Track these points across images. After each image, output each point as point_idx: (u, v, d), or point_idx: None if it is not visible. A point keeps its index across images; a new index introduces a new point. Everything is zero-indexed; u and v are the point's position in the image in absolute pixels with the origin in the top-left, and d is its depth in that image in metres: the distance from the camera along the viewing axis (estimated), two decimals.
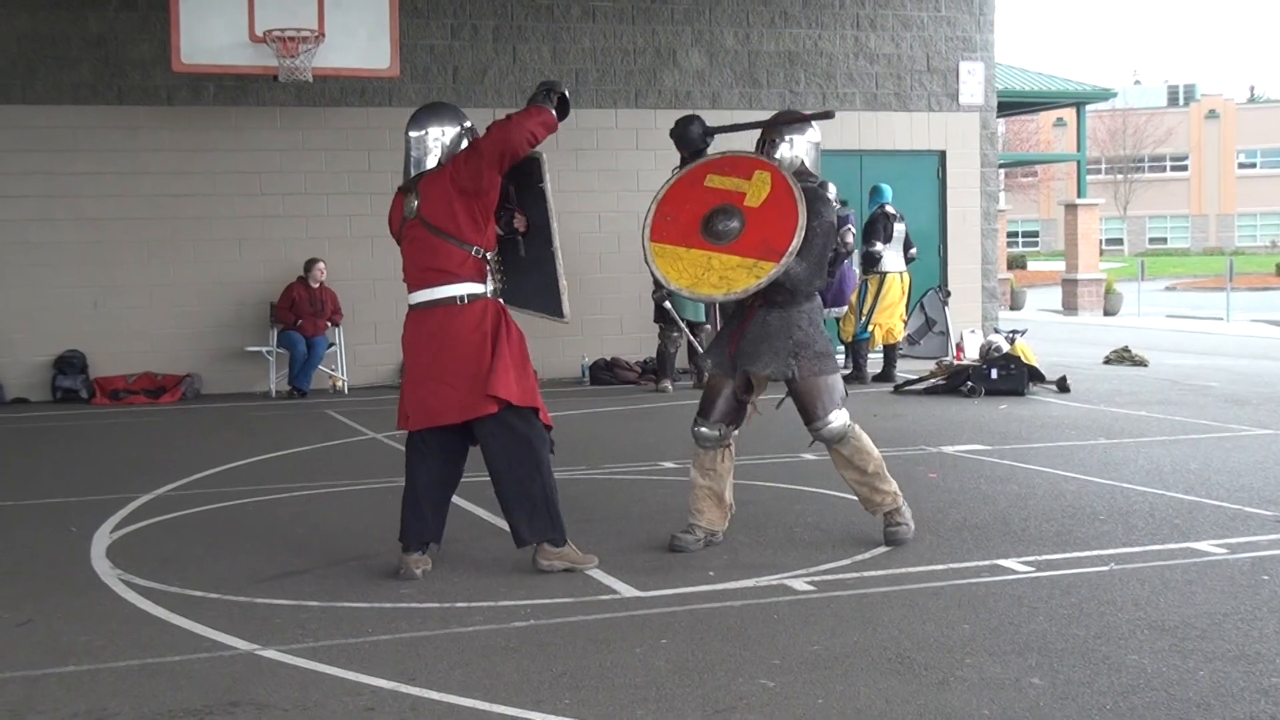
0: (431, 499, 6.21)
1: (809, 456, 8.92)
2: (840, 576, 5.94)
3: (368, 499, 8.12)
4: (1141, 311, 28.01)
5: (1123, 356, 16.11)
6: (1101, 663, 4.67)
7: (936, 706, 4.28)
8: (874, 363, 14.73)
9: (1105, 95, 29.95)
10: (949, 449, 9.53)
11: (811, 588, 5.76)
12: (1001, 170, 30.11)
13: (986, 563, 6.18)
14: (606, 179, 15.51)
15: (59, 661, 4.90)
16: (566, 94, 6.24)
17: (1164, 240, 70.36)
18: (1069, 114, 36.27)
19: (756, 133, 6.92)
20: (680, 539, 6.55)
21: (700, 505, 6.60)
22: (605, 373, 14.98)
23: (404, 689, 4.52)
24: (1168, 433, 10.33)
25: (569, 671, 4.67)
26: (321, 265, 14.28)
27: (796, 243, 6.21)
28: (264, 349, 14.35)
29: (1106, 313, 27.83)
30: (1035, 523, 7.05)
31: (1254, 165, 69.76)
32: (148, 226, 14.32)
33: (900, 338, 14.79)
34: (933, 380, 13.43)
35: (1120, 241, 67.83)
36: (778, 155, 6.65)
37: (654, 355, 15.24)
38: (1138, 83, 78.95)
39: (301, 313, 14.10)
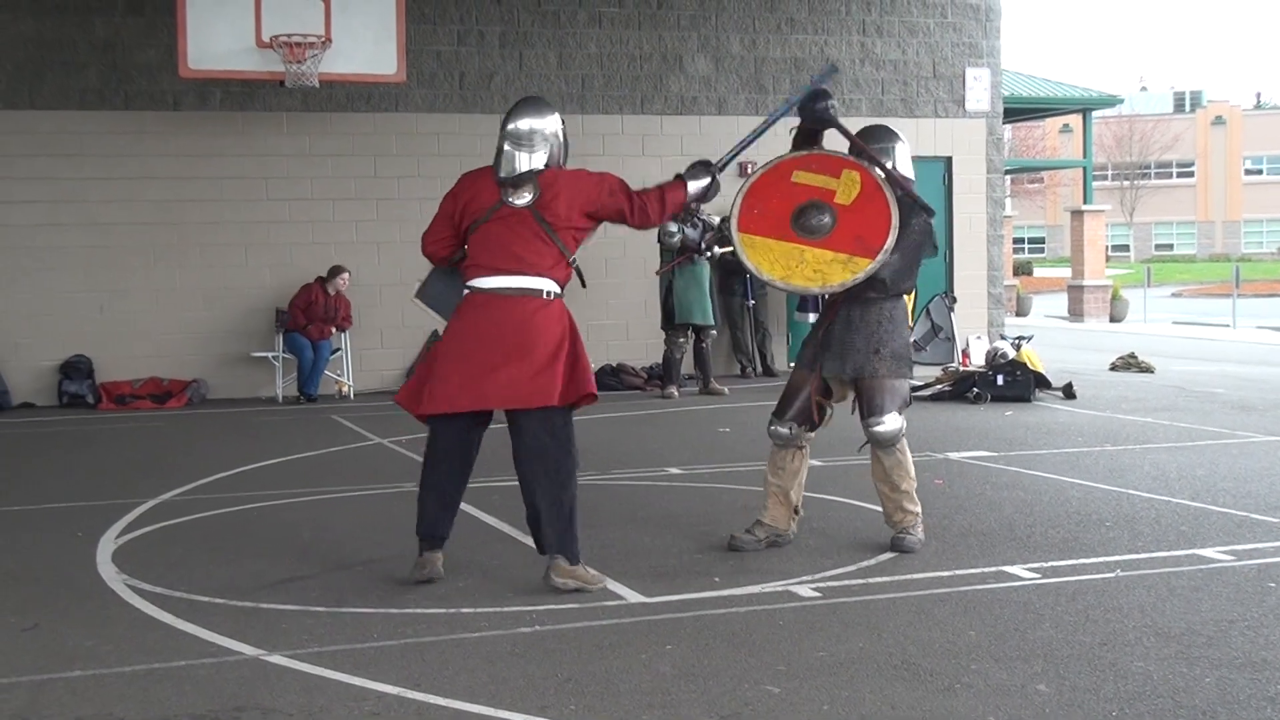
0: (451, 495, 6.19)
1: (815, 463, 8.92)
2: (846, 583, 5.94)
3: (374, 504, 8.12)
4: (1148, 318, 28.00)
5: (1129, 363, 16.10)
6: (1107, 669, 4.67)
7: (942, 713, 4.28)
8: None
9: (1111, 101, 29.97)
10: (955, 455, 9.52)
11: (817, 594, 5.76)
12: (1008, 176, 30.13)
13: (992, 569, 6.18)
14: None
15: (65, 666, 4.91)
16: (719, 181, 6.43)
17: (1170, 246, 70.30)
18: (1075, 120, 36.26)
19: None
20: (739, 539, 6.63)
21: (767, 503, 6.68)
22: (611, 378, 14.98)
23: (409, 694, 4.52)
24: (1174, 439, 10.32)
25: (574, 677, 4.67)
26: (346, 275, 14.29)
27: (892, 240, 6.33)
28: (270, 354, 14.36)
29: (1113, 319, 27.81)
30: (1041, 529, 7.04)
31: (1260, 172, 69.70)
32: (154, 231, 14.34)
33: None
34: (939, 386, 13.42)
35: (1126, 248, 67.76)
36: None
37: (660, 361, 15.26)
38: (1144, 89, 78.94)
39: (313, 316, 14.12)
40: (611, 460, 9.68)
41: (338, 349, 14.52)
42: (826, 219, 6.42)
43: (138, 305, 14.32)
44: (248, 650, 5.05)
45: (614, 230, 15.25)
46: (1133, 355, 16.32)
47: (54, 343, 14.08)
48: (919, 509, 6.70)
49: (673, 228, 13.67)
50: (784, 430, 6.67)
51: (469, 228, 6.13)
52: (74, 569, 6.48)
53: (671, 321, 14.07)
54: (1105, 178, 63.07)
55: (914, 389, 13.40)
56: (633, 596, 5.76)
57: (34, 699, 4.56)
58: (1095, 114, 29.43)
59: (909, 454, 6.68)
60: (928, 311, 16.23)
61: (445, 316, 6.31)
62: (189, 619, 5.48)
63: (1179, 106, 74.69)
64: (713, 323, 14.22)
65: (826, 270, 6.38)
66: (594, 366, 15.73)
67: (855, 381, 6.64)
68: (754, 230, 6.53)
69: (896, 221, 6.37)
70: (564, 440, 5.98)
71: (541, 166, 6.09)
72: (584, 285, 6.38)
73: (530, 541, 6.17)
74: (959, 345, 15.72)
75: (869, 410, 6.58)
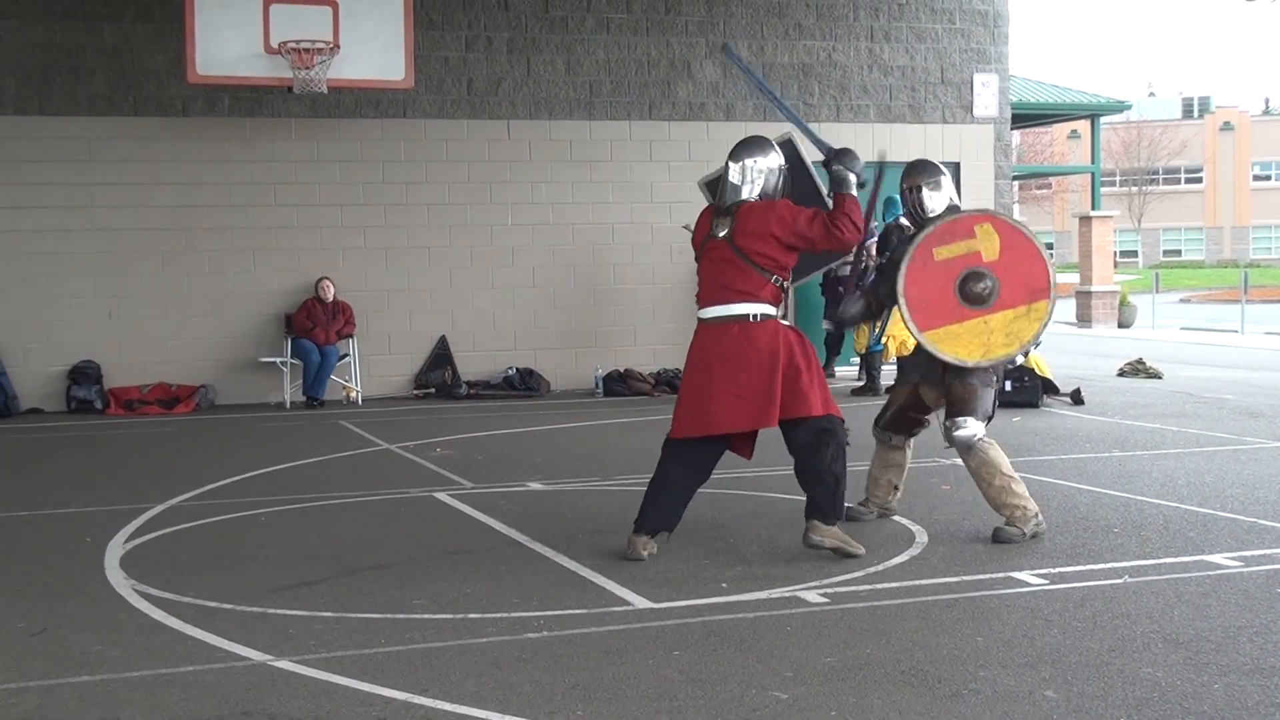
0: (677, 496, 6.62)
1: None
2: (854, 589, 5.94)
3: (381, 510, 8.12)
4: (1156, 324, 27.95)
5: (1137, 369, 16.07)
6: (1115, 676, 4.66)
7: (950, 719, 4.27)
8: (888, 374, 14.69)
9: (1119, 107, 29.94)
10: (962, 461, 9.50)
11: (825, 600, 5.75)
12: (1016, 182, 30.10)
13: (1000, 575, 6.17)
14: (620, 191, 15.54)
15: (73, 671, 4.91)
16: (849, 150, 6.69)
17: (1178, 252, 70.22)
18: (1083, 126, 36.21)
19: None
20: (854, 509, 7.33)
21: (867, 482, 7.44)
22: (618, 384, 14.98)
23: (417, 700, 4.52)
24: (1182, 445, 10.30)
25: (582, 683, 4.67)
26: (327, 282, 14.36)
27: (1053, 271, 6.75)
28: (278, 359, 14.38)
29: (1121, 325, 27.76)
30: (1049, 535, 7.02)
31: (1269, 177, 69.61)
32: (163, 237, 14.36)
33: (914, 350, 14.75)
34: None
35: (1135, 254, 67.70)
36: (927, 204, 7.13)
37: (667, 367, 15.28)
38: (1152, 95, 78.85)
39: (317, 321, 14.18)
40: (619, 466, 9.67)
41: (345, 354, 14.54)
42: (988, 282, 6.79)
43: (146, 311, 14.35)
44: (255, 655, 5.05)
45: (621, 237, 15.46)
46: (1141, 361, 16.30)
47: (62, 348, 14.11)
48: (1026, 503, 6.90)
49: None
50: (882, 436, 7.39)
51: (696, 258, 6.70)
52: (82, 574, 6.49)
53: None
54: (1113, 184, 63.01)
55: None
56: (640, 602, 5.75)
57: (42, 704, 4.57)
58: (1103, 120, 29.38)
59: (993, 454, 6.93)
60: None
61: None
62: (196, 624, 5.49)
63: (1187, 112, 74.61)
64: None
65: (1016, 329, 6.77)
66: (601, 372, 15.83)
67: (949, 386, 7.04)
68: (934, 325, 6.86)
69: (1044, 251, 6.79)
70: (826, 429, 6.44)
71: (749, 198, 6.52)
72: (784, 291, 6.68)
73: (539, 548, 6.16)
74: None
75: (953, 411, 7.00)
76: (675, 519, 6.63)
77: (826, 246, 6.49)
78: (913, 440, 7.51)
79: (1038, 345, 6.87)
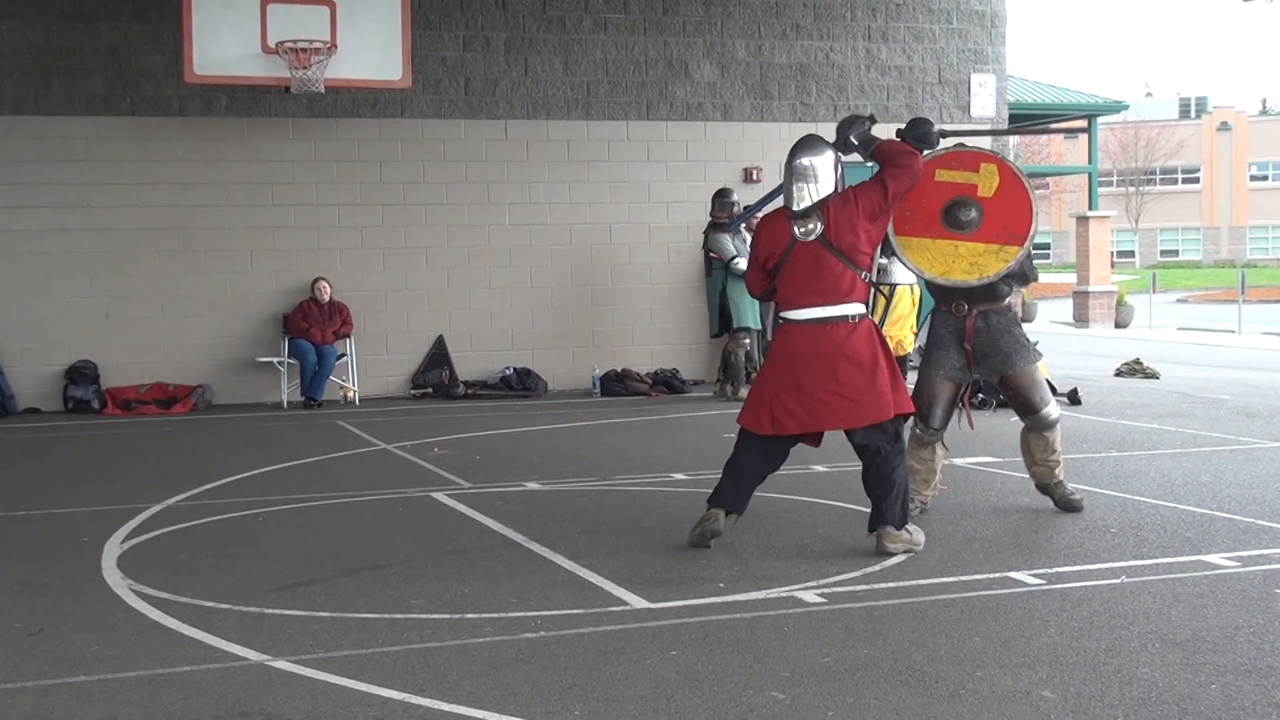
0: (751, 484, 6.84)
1: (820, 468, 8.93)
2: (851, 589, 5.94)
3: (379, 510, 8.12)
4: (1153, 324, 27.97)
5: (1134, 369, 16.08)
6: (1112, 676, 4.66)
7: (947, 719, 4.27)
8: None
9: (1117, 107, 29.99)
10: (960, 461, 9.50)
11: (822, 600, 5.76)
12: None
13: (997, 575, 6.17)
14: (617, 191, 15.53)
15: (70, 671, 4.91)
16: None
17: (1175, 252, 70.25)
18: (1080, 126, 36.23)
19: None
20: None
21: (915, 483, 7.56)
22: (616, 384, 14.97)
23: (414, 700, 4.52)
24: (1179, 445, 10.31)
25: (579, 683, 4.67)
26: (323, 283, 14.35)
27: (1035, 226, 7.00)
28: (275, 359, 14.38)
29: (1118, 325, 27.78)
30: (1046, 535, 7.04)
31: (1266, 177, 69.64)
32: (160, 237, 14.36)
33: (910, 350, 14.77)
34: None
35: (1132, 254, 67.73)
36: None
37: (664, 367, 15.28)
38: (1149, 95, 78.92)
39: (312, 322, 14.18)
40: (616, 466, 9.68)
41: (343, 354, 14.54)
42: (974, 213, 7.06)
43: (143, 310, 14.34)
44: (252, 655, 5.05)
45: (619, 236, 15.47)
46: (1138, 361, 16.30)
47: (59, 348, 14.10)
48: (1063, 475, 7.66)
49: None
50: (934, 437, 7.57)
51: (774, 267, 6.74)
52: (79, 574, 6.49)
53: (730, 326, 14.13)
54: (1111, 184, 63.03)
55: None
56: (638, 602, 5.76)
57: (39, 704, 4.56)
58: (1100, 120, 29.39)
59: (1060, 435, 7.65)
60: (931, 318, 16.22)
61: None
62: (194, 624, 5.49)
63: (1184, 112, 74.63)
64: (761, 326, 14.33)
65: (981, 261, 7.04)
66: (599, 371, 15.86)
67: (1005, 377, 7.43)
68: (909, 232, 7.17)
69: (1037, 208, 7.00)
70: (895, 435, 6.66)
71: (822, 197, 6.63)
72: (877, 289, 6.94)
73: (537, 548, 6.15)
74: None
75: (1030, 407, 7.53)
76: (743, 505, 6.85)
77: (899, 187, 6.67)
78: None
79: (989, 282, 7.13)
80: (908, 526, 6.67)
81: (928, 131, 7.04)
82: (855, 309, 6.60)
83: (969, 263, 7.04)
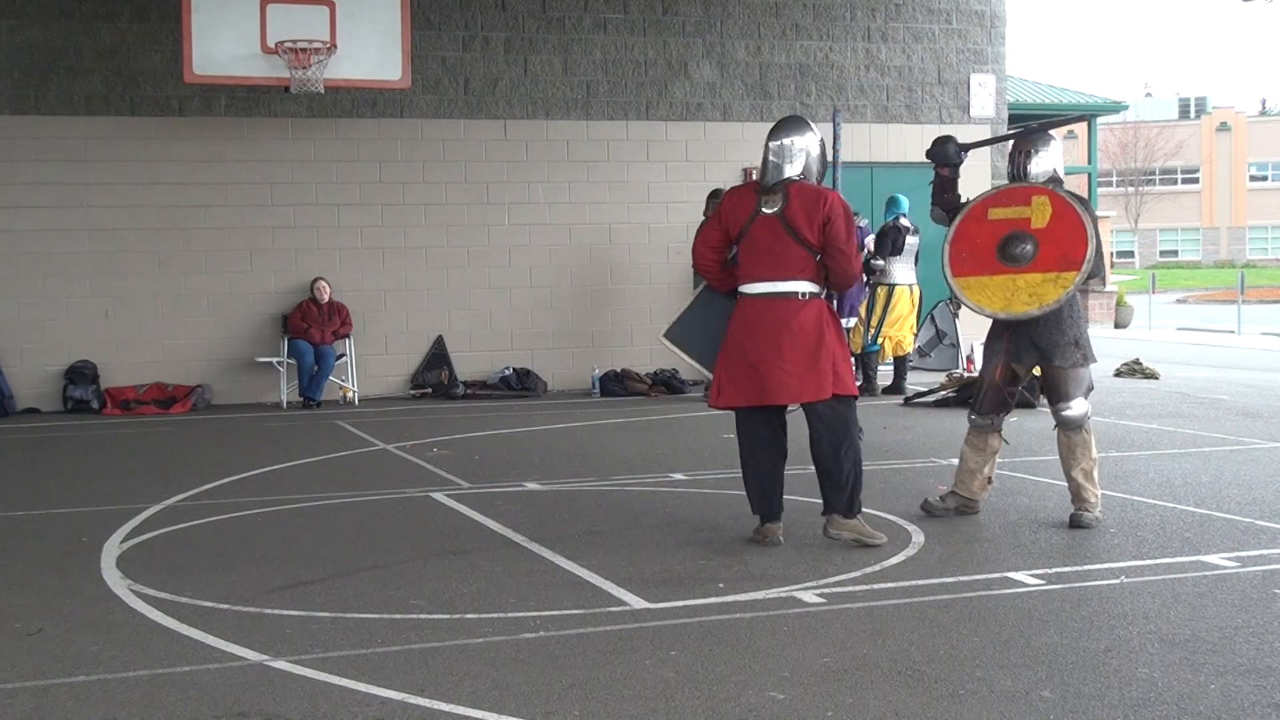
0: (765, 476, 6.87)
1: None
2: (850, 589, 5.94)
3: (378, 510, 8.12)
4: (1152, 324, 27.96)
5: (1134, 369, 16.08)
6: (1112, 676, 4.66)
7: (947, 719, 4.27)
8: (884, 375, 14.71)
9: (1116, 108, 29.99)
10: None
11: (821, 600, 5.75)
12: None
13: (997, 575, 6.17)
14: (617, 191, 15.54)
15: (69, 672, 4.91)
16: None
17: (1175, 253, 70.27)
18: (1080, 127, 36.23)
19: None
20: (931, 503, 7.58)
21: (962, 476, 7.55)
22: (615, 384, 14.98)
23: (413, 700, 4.52)
24: (1178, 445, 10.31)
25: (578, 683, 4.67)
26: (322, 283, 14.36)
27: (1093, 249, 6.99)
28: (274, 359, 14.38)
29: (1117, 325, 27.77)
30: (1045, 535, 7.03)
31: (1265, 178, 69.67)
32: (159, 237, 14.36)
33: (910, 350, 14.77)
34: (943, 393, 13.41)
35: (1131, 254, 67.73)
36: (1031, 169, 7.43)
37: (664, 367, 15.27)
38: (1149, 95, 78.90)
39: (311, 322, 14.19)
40: (615, 466, 9.68)
41: (342, 355, 14.54)
42: (1028, 246, 7.12)
43: (142, 311, 14.34)
44: (252, 656, 5.05)
45: (619, 237, 15.47)
46: (1137, 361, 16.30)
47: (59, 348, 14.10)
48: (1098, 491, 7.32)
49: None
50: (984, 421, 7.51)
51: (736, 236, 6.80)
52: (78, 574, 6.48)
53: None
54: (1110, 184, 63.04)
55: (917, 395, 13.52)
56: (637, 602, 5.75)
57: (38, 704, 4.56)
58: (1100, 120, 29.39)
59: (1093, 436, 7.38)
60: (932, 318, 16.26)
61: (693, 358, 7.15)
62: (193, 624, 5.49)
63: (1184, 113, 74.63)
64: None
65: (1040, 291, 7.07)
66: (598, 372, 15.86)
67: (1049, 369, 7.35)
68: (967, 272, 7.29)
69: (1093, 231, 7.01)
70: (844, 419, 6.71)
71: (794, 176, 6.76)
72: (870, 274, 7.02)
73: (536, 549, 6.15)
74: (964, 351, 15.75)
75: (1058, 396, 7.32)
76: (774, 507, 6.89)
77: (830, 263, 6.71)
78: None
79: (1052, 310, 7.14)
80: (860, 518, 6.77)
81: (945, 150, 7.42)
82: (806, 286, 6.67)
83: (1028, 294, 7.10)
